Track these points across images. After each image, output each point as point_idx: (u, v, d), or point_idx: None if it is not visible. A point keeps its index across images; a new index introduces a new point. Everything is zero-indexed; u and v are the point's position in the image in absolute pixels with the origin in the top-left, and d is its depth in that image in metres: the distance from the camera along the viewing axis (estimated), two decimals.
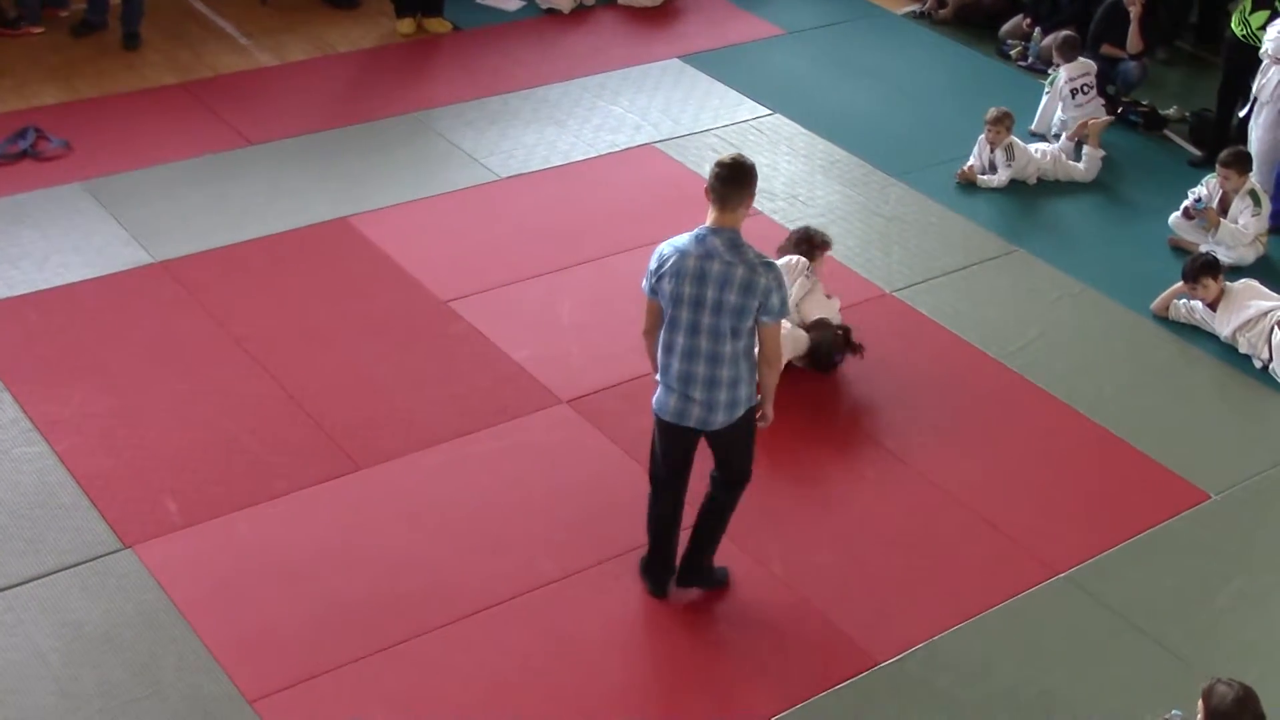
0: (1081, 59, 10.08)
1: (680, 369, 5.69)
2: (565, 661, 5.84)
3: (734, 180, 5.59)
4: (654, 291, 5.73)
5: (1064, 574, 6.46)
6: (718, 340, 5.62)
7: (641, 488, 6.04)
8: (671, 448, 5.92)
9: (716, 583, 6.24)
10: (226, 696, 5.53)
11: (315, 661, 5.71)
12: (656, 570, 6.17)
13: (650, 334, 5.88)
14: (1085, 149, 9.75)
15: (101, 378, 7.11)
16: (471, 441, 6.93)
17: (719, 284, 5.57)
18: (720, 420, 5.73)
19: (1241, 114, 9.55)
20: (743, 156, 5.69)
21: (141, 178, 8.76)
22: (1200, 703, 4.81)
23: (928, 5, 12.02)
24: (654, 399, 5.85)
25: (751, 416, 5.88)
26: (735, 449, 5.93)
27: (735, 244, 5.60)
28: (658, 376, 5.83)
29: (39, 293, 7.69)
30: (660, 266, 5.68)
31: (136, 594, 5.94)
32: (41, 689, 5.50)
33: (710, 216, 5.65)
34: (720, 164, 5.63)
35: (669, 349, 5.72)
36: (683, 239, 5.68)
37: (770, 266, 5.63)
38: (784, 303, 5.69)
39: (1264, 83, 9.33)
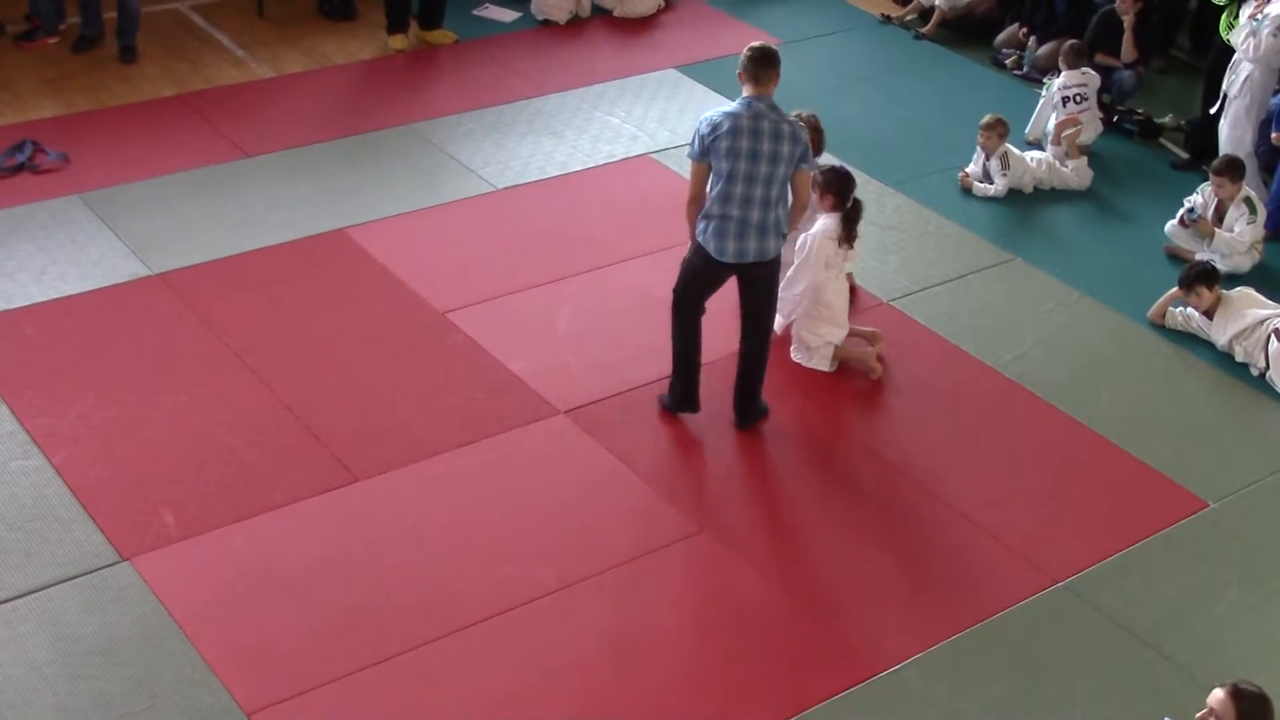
0: (1084, 70, 10.09)
1: (740, 214, 6.65)
2: (564, 673, 5.83)
3: (764, 60, 6.68)
4: (705, 153, 6.69)
5: (1062, 583, 6.46)
6: (769, 185, 6.63)
7: (639, 498, 5.99)
8: (713, 281, 6.96)
9: (765, 410, 7.29)
10: (224, 709, 5.52)
11: (313, 674, 5.71)
12: (692, 390, 7.14)
13: (695, 202, 6.84)
14: (1069, 160, 9.76)
15: (99, 390, 7.11)
16: (469, 453, 6.93)
17: (771, 137, 6.61)
18: (773, 249, 6.77)
19: (1213, 111, 9.55)
20: (768, 45, 6.75)
21: (139, 190, 8.76)
22: (1229, 701, 4.82)
23: (907, 18, 12.02)
24: (708, 244, 6.73)
25: (780, 259, 6.95)
26: (769, 290, 7.01)
27: (774, 106, 6.70)
28: (700, 234, 6.78)
29: (36, 305, 7.69)
30: (714, 130, 6.63)
31: (134, 606, 5.93)
32: (39, 702, 5.49)
33: (747, 90, 6.69)
34: (751, 47, 6.69)
35: (726, 199, 6.65)
36: (729, 107, 6.69)
37: (801, 125, 6.77)
38: (810, 154, 6.81)
39: (1233, 78, 9.34)
